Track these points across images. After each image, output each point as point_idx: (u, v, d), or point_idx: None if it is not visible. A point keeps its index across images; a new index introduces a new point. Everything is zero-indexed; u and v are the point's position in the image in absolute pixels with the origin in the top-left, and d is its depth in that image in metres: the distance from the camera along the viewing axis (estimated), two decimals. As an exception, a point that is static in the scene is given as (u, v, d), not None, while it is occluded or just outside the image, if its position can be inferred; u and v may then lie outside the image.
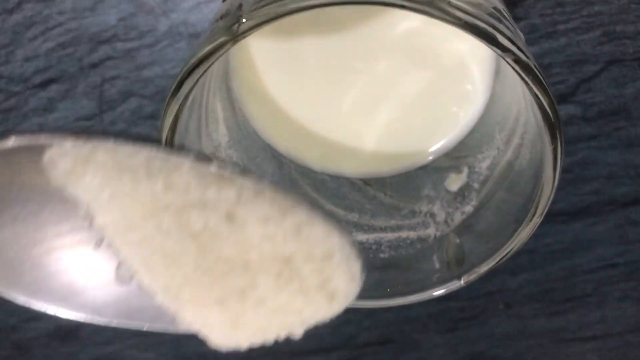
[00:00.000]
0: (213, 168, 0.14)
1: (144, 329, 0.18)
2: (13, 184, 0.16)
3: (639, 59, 0.30)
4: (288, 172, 0.24)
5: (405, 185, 0.25)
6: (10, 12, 0.29)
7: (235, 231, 0.14)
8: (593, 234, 0.36)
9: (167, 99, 0.18)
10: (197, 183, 0.14)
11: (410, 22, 0.21)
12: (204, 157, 0.14)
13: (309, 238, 0.15)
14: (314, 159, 0.24)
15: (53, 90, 0.32)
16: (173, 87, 0.17)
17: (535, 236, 0.36)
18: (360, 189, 0.25)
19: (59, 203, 0.16)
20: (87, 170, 0.14)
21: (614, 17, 0.29)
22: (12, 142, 0.14)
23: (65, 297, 0.17)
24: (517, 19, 0.29)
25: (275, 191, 0.14)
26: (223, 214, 0.14)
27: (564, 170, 0.34)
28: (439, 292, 0.21)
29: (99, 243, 0.17)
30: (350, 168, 0.24)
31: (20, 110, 0.32)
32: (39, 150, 0.14)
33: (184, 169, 0.14)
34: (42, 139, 0.14)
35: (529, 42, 0.30)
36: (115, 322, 0.18)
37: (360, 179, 0.25)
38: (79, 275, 0.17)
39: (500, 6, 0.18)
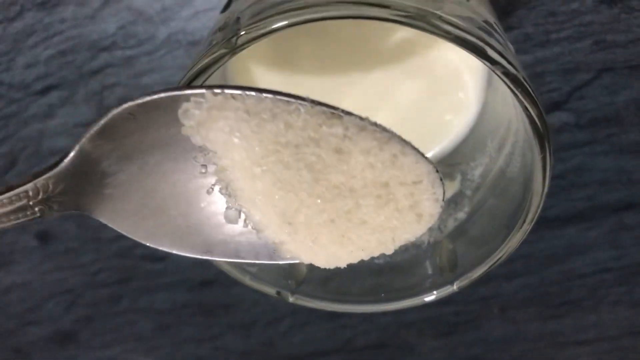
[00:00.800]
0: (325, 109, 0.16)
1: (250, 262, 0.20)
2: (147, 136, 0.18)
3: (630, 67, 0.31)
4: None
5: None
6: (12, 20, 0.30)
7: (343, 161, 0.17)
8: (587, 239, 0.37)
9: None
10: (312, 122, 0.17)
11: (404, 33, 0.22)
12: (317, 102, 0.17)
13: (403, 166, 0.17)
14: None
15: (53, 96, 0.32)
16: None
17: (530, 241, 0.37)
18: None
19: (181, 153, 0.18)
20: (222, 116, 0.17)
21: (605, 26, 0.30)
22: (156, 95, 0.17)
23: (181, 238, 0.19)
24: (510, 28, 0.30)
25: (374, 126, 0.17)
26: (333, 147, 0.17)
27: (558, 177, 0.35)
28: (432, 297, 0.22)
29: (211, 189, 0.19)
30: None
31: (20, 116, 0.33)
32: (176, 102, 0.17)
33: (301, 110, 0.17)
34: (183, 91, 0.17)
35: (523, 51, 0.30)
36: (224, 260, 0.20)
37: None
38: (193, 218, 0.19)
39: (492, 19, 0.19)
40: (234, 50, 0.17)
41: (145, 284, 0.41)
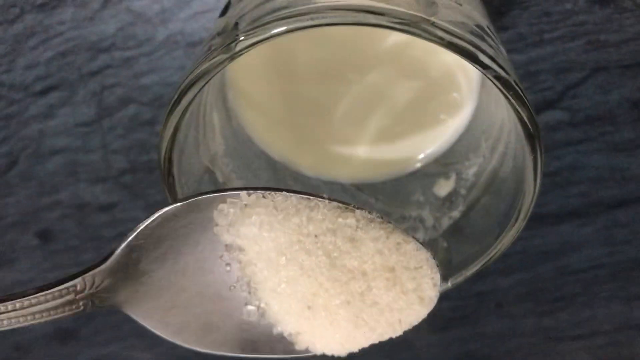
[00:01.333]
0: (340, 204, 0.19)
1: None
2: (182, 236, 0.20)
3: (623, 66, 0.31)
4: (282, 178, 0.25)
5: (396, 191, 0.26)
6: (12, 22, 0.30)
7: (356, 248, 0.20)
8: (581, 235, 0.37)
9: (167, 112, 0.19)
10: (329, 215, 0.19)
11: (400, 36, 0.22)
12: (333, 199, 0.19)
13: (406, 252, 0.20)
14: (308, 166, 0.25)
15: (53, 97, 0.33)
16: (172, 101, 0.18)
17: (525, 238, 0.37)
18: (353, 195, 0.26)
19: (209, 253, 0.20)
20: (254, 212, 0.19)
21: (598, 26, 0.30)
22: (201, 196, 0.19)
23: (204, 335, 0.21)
24: (504, 28, 0.30)
25: (381, 219, 0.19)
26: (347, 236, 0.20)
27: (552, 174, 0.35)
28: (427, 294, 0.22)
29: (233, 287, 0.21)
30: (343, 174, 0.25)
31: (21, 116, 0.33)
32: (212, 203, 0.19)
33: (320, 206, 0.19)
34: (223, 193, 0.19)
35: (517, 50, 0.31)
36: (241, 355, 0.21)
37: (353, 185, 0.26)
38: (215, 316, 0.21)
39: (484, 23, 0.19)
40: (233, 55, 0.18)
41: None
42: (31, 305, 0.18)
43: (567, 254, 0.38)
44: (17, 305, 0.18)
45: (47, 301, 0.18)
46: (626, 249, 0.38)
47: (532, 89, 0.32)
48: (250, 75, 0.23)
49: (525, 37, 0.30)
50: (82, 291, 0.19)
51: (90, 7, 0.30)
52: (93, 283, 0.19)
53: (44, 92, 0.32)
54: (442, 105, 0.24)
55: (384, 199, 0.26)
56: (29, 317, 0.18)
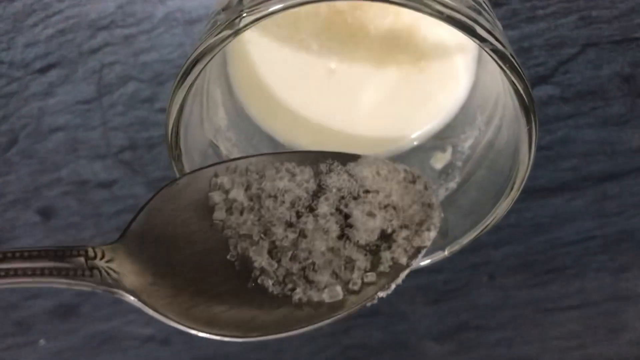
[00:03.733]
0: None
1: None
2: (180, 214, 0.20)
3: (614, 42, 0.32)
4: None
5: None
6: (11, 0, 0.30)
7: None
8: (572, 208, 0.38)
9: (173, 88, 0.19)
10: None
11: (397, 13, 0.23)
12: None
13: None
14: (306, 144, 0.25)
15: (53, 75, 0.33)
16: (179, 77, 0.19)
17: (517, 211, 0.38)
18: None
19: (204, 229, 0.20)
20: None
21: (590, 2, 0.30)
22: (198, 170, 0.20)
23: (237, 326, 0.20)
24: (498, 4, 0.31)
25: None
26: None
27: (544, 148, 0.36)
28: (424, 262, 0.23)
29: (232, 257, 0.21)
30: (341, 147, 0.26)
31: (21, 94, 0.33)
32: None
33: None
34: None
35: (510, 26, 0.31)
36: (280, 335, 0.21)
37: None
38: (240, 309, 0.20)
39: (481, -2, 0.20)
40: (238, 31, 0.18)
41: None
42: (40, 258, 0.18)
43: (558, 227, 0.39)
44: (25, 253, 0.18)
45: (57, 258, 0.18)
46: (616, 221, 0.38)
47: (525, 65, 0.32)
48: (248, 53, 0.24)
49: (519, 13, 0.31)
50: (92, 258, 0.19)
51: (89, -15, 0.30)
52: (103, 255, 0.19)
53: (43, 70, 0.33)
54: (439, 82, 0.25)
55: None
56: (37, 271, 0.18)
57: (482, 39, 0.17)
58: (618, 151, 0.35)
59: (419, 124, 0.26)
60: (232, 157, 0.24)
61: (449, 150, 0.25)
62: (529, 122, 0.19)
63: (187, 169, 0.20)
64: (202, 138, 0.22)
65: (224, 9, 0.19)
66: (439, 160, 0.25)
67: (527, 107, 0.18)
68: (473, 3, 0.18)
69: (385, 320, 0.44)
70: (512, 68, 0.17)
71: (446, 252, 0.22)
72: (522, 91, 0.18)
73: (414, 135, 0.26)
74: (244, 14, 0.18)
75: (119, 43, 0.32)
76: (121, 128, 0.35)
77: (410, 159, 0.26)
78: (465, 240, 0.22)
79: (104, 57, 0.32)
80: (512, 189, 0.21)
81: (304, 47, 0.23)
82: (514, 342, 0.44)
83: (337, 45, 0.23)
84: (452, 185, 0.24)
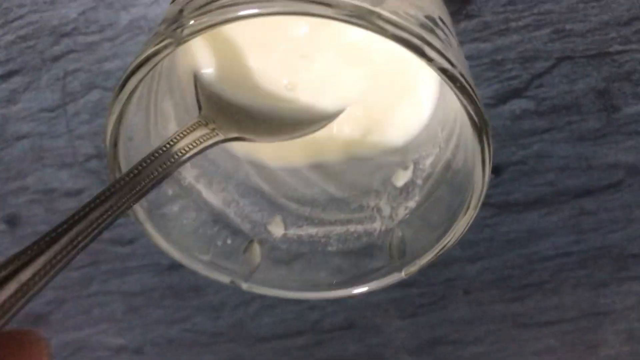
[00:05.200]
0: None
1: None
2: None
3: (588, 56, 0.31)
4: (243, 168, 0.25)
5: (356, 181, 0.26)
6: (-30, 5, 0.30)
7: None
8: (548, 223, 0.37)
9: (112, 98, 0.18)
10: None
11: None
12: None
13: None
14: (267, 156, 0.25)
15: (16, 82, 0.32)
16: (117, 87, 0.18)
17: (492, 225, 0.38)
18: (311, 182, 0.26)
19: None
20: None
21: (564, 15, 0.30)
22: None
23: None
24: (469, 16, 0.30)
25: None
26: None
27: (519, 162, 0.35)
28: (381, 284, 0.22)
29: None
30: (301, 159, 0.25)
31: (-17, 101, 0.33)
32: None
33: None
34: None
35: (482, 39, 0.30)
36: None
37: (313, 172, 0.26)
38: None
39: (436, 13, 0.19)
40: (178, 42, 0.17)
41: (114, 266, 0.41)
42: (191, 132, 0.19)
43: (534, 242, 0.38)
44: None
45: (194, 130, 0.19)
46: (593, 236, 0.38)
47: (497, 78, 0.32)
48: (199, 62, 0.23)
49: (491, 26, 0.30)
50: (206, 125, 0.20)
51: (50, -10, 0.29)
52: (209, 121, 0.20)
53: (5, 76, 0.32)
54: (402, 97, 0.24)
55: (344, 187, 0.26)
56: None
57: (429, 59, 0.16)
58: (594, 166, 0.35)
59: (383, 138, 0.25)
60: (183, 172, 0.23)
61: (411, 167, 0.24)
62: (481, 143, 0.18)
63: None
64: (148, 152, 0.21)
65: (165, 20, 0.18)
66: (400, 178, 0.24)
67: (480, 129, 0.18)
68: (425, 19, 0.17)
69: (360, 334, 0.44)
70: (462, 88, 0.17)
71: (403, 274, 0.22)
72: (472, 112, 0.17)
73: (376, 147, 0.25)
74: (185, 25, 0.17)
75: (82, 50, 0.31)
76: (87, 136, 0.34)
77: (373, 175, 0.25)
78: (423, 261, 0.22)
79: (68, 64, 0.32)
80: (468, 208, 0.20)
81: (254, 57, 0.22)
82: (490, 357, 0.44)
83: (292, 55, 0.23)
84: (412, 204, 0.24)
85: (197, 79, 0.22)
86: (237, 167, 0.25)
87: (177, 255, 0.21)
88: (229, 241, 0.23)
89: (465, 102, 0.17)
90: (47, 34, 0.31)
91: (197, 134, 0.20)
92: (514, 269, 0.40)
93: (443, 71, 0.17)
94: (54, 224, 0.39)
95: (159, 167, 0.18)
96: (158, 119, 0.22)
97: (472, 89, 0.17)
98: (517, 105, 0.33)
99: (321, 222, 0.24)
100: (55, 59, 0.32)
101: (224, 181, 0.24)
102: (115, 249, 0.39)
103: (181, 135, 0.19)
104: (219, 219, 0.23)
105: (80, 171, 0.36)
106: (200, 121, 0.20)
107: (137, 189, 0.17)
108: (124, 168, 0.19)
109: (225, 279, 0.22)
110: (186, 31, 0.17)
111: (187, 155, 0.18)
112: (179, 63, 0.23)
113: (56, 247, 0.16)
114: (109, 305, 0.43)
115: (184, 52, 0.22)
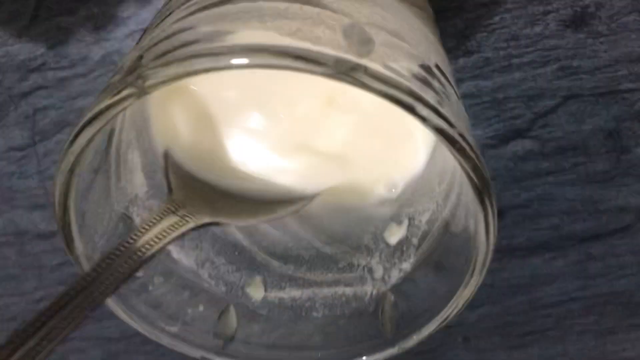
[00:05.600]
0: None
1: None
2: None
3: (597, 94, 0.29)
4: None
5: (345, 233, 0.23)
6: None
7: None
8: (553, 268, 0.35)
9: (61, 154, 0.16)
10: None
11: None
12: None
13: None
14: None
15: (-18, 119, 0.30)
16: (66, 142, 0.16)
17: (494, 270, 0.35)
18: (298, 237, 0.23)
19: None
20: None
21: (571, 51, 0.28)
22: None
23: None
24: (469, 52, 0.28)
25: None
26: None
27: (523, 205, 0.33)
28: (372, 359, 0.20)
29: None
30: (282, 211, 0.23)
31: (-52, 140, 0.31)
32: None
33: None
34: None
35: (482, 76, 0.28)
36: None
37: (299, 226, 0.24)
38: None
39: (432, 60, 0.17)
40: (140, 94, 0.15)
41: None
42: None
43: (538, 288, 0.36)
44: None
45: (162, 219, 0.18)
46: (600, 282, 0.36)
47: (499, 117, 0.30)
48: (167, 115, 0.21)
49: (492, 62, 0.28)
50: (177, 210, 0.18)
51: (16, 23, 0.27)
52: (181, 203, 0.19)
53: (-30, 114, 0.30)
54: (396, 144, 0.22)
55: (332, 241, 0.23)
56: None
57: (423, 119, 0.14)
58: (602, 210, 0.33)
59: (375, 188, 0.23)
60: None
61: (405, 223, 0.22)
62: (484, 208, 0.16)
63: (83, 250, 0.17)
64: (109, 213, 0.19)
65: (121, 68, 0.16)
66: (394, 234, 0.22)
67: (481, 193, 0.15)
68: (419, 70, 0.15)
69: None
70: (462, 150, 0.15)
71: (397, 350, 0.19)
72: (474, 176, 0.15)
73: (367, 197, 0.23)
74: (143, 78, 0.15)
75: (52, 86, 0.29)
76: (58, 178, 0.32)
77: (365, 227, 0.23)
78: (421, 335, 0.19)
79: (37, 101, 0.30)
80: (472, 276, 0.18)
81: (225, 110, 0.20)
82: (491, 407, 0.41)
83: (270, 105, 0.20)
84: (406, 266, 0.21)
85: (167, 157, 0.20)
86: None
87: (139, 327, 0.19)
88: (200, 308, 0.21)
89: (465, 165, 0.15)
90: (14, 70, 0.29)
91: (166, 223, 0.17)
92: (516, 315, 0.38)
93: (439, 131, 0.14)
94: (24, 266, 0.37)
95: (122, 264, 0.16)
96: (121, 172, 0.20)
97: (474, 151, 0.15)
98: (520, 145, 0.30)
99: (306, 283, 0.22)
100: (24, 95, 0.29)
101: (198, 237, 0.22)
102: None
103: (147, 226, 0.17)
104: (190, 283, 0.21)
105: (53, 213, 0.34)
106: (169, 207, 0.18)
107: (97, 292, 0.15)
108: (77, 234, 0.17)
109: (195, 353, 0.20)
110: (148, 82, 0.15)
111: (153, 249, 0.16)
112: (147, 108, 0.21)
113: None
114: (86, 351, 0.40)
115: (153, 98, 0.20)
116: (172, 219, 0.18)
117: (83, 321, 0.15)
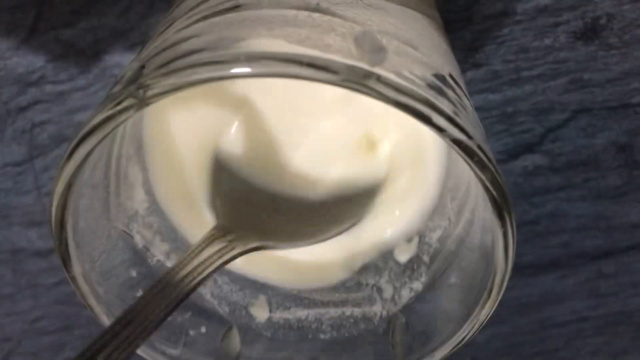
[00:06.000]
0: None
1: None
2: None
3: (608, 108, 0.28)
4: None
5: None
6: None
7: None
8: (563, 287, 0.34)
9: (58, 167, 0.15)
10: None
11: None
12: None
13: None
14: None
15: (-22, 134, 0.29)
16: (64, 156, 0.15)
17: (502, 289, 0.34)
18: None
19: None
20: None
21: (581, 64, 0.27)
22: None
23: None
24: (477, 64, 0.27)
25: None
26: None
27: (532, 222, 0.32)
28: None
29: None
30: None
31: (-57, 155, 0.30)
32: None
33: None
34: None
35: (491, 89, 0.28)
36: None
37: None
38: None
39: (446, 69, 0.16)
40: (142, 105, 0.14)
41: (88, 331, 0.38)
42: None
43: (548, 307, 0.35)
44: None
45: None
46: (612, 301, 0.35)
47: (508, 131, 0.29)
48: (169, 132, 0.20)
49: (501, 75, 0.28)
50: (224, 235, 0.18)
51: (14, 36, 0.27)
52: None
53: (-34, 129, 0.29)
54: (403, 158, 0.21)
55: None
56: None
57: (440, 129, 0.13)
58: (614, 226, 0.32)
59: (386, 206, 0.22)
60: (151, 248, 0.20)
61: (415, 240, 0.21)
62: (503, 224, 0.15)
63: (81, 269, 0.17)
64: (108, 231, 0.18)
65: (121, 79, 0.15)
66: (404, 252, 0.21)
67: (500, 208, 0.15)
68: (433, 79, 0.14)
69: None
70: (480, 163, 0.14)
71: (407, 375, 0.18)
72: (493, 190, 0.14)
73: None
74: (145, 87, 0.14)
75: (51, 100, 0.28)
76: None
77: (372, 245, 0.22)
78: (434, 359, 0.18)
79: (35, 115, 0.29)
80: (489, 297, 0.17)
81: (232, 126, 0.19)
82: None
83: (281, 117, 0.20)
84: (418, 285, 0.20)
85: (215, 176, 0.19)
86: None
87: (139, 349, 0.18)
88: (202, 329, 0.20)
89: (483, 178, 0.14)
90: (11, 83, 0.28)
91: (211, 250, 0.17)
92: (525, 335, 0.37)
93: (456, 143, 0.14)
94: (20, 285, 0.36)
95: (166, 296, 0.15)
96: (120, 188, 0.19)
97: (493, 164, 0.14)
98: (529, 160, 0.30)
99: (312, 304, 0.21)
100: (22, 109, 0.29)
101: None
102: (89, 313, 0.36)
103: (192, 253, 0.16)
104: (192, 303, 0.20)
105: (50, 230, 0.33)
106: (215, 233, 0.17)
107: (139, 329, 0.14)
108: (74, 250, 0.16)
109: (196, 377, 0.19)
110: (150, 93, 0.14)
111: (198, 279, 0.16)
112: (148, 123, 0.20)
113: None
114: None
115: (153, 113, 0.19)
116: (218, 245, 0.17)
117: None
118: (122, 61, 0.27)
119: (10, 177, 0.31)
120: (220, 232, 0.17)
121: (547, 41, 0.27)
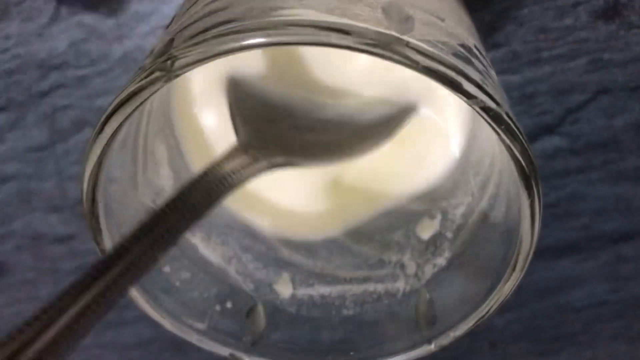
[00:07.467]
0: None
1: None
2: None
3: (629, 88, 0.28)
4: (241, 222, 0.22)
5: (375, 229, 0.23)
6: (-49, 37, 0.27)
7: None
8: (582, 270, 0.34)
9: (89, 142, 0.16)
10: None
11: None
12: None
13: None
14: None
15: (1, 119, 0.30)
16: (95, 129, 0.15)
17: (521, 273, 0.34)
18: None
19: None
20: None
21: (602, 44, 0.27)
22: None
23: None
24: (497, 45, 0.27)
25: None
26: None
27: (551, 205, 0.32)
28: (407, 357, 0.19)
29: None
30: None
31: (-34, 140, 0.30)
32: None
33: None
34: None
35: (511, 70, 0.28)
36: None
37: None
38: None
39: (471, 41, 0.16)
40: (170, 76, 0.15)
41: (109, 316, 0.38)
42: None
43: (567, 291, 0.35)
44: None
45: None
46: (631, 285, 0.35)
47: (528, 113, 0.29)
48: (196, 103, 0.20)
49: (521, 56, 0.27)
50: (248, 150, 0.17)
51: (37, 21, 0.27)
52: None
53: (-11, 114, 0.29)
54: (427, 134, 0.21)
55: (361, 238, 0.22)
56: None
57: (469, 96, 0.13)
58: (634, 209, 0.32)
59: (406, 180, 0.22)
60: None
61: (438, 217, 0.21)
62: (530, 194, 0.15)
63: (110, 240, 0.17)
64: (135, 204, 0.18)
65: (152, 52, 0.15)
66: (426, 229, 0.21)
67: (528, 178, 0.15)
68: (460, 48, 0.14)
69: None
70: (509, 130, 0.14)
71: (433, 347, 0.18)
72: (521, 159, 0.14)
73: (399, 195, 0.22)
74: (174, 58, 0.14)
75: (72, 85, 0.29)
76: (78, 178, 0.32)
77: (395, 223, 0.22)
78: (457, 332, 0.18)
79: (56, 100, 0.29)
80: (513, 270, 0.17)
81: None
82: (518, 415, 0.40)
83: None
84: (441, 261, 0.20)
85: (231, 90, 0.19)
86: (239, 215, 0.22)
87: (167, 323, 0.18)
88: (228, 305, 0.20)
89: (512, 146, 0.14)
90: (34, 68, 0.28)
91: (234, 163, 0.16)
92: (544, 319, 0.37)
93: (486, 110, 0.14)
94: (41, 271, 0.36)
95: (197, 199, 0.15)
96: (148, 164, 0.19)
97: (520, 132, 0.14)
98: (549, 142, 0.30)
99: (335, 280, 0.21)
100: (43, 94, 0.29)
101: (225, 233, 0.21)
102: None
103: (216, 166, 0.16)
104: (217, 279, 0.20)
105: (71, 215, 0.33)
106: (237, 148, 0.17)
107: (171, 227, 0.14)
108: (105, 224, 0.16)
109: (223, 351, 0.19)
110: (178, 64, 0.14)
111: (229, 185, 0.15)
112: (175, 99, 0.20)
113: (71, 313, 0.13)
114: (104, 358, 0.40)
115: (180, 88, 0.20)
116: (242, 160, 0.17)
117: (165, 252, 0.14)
118: (143, 45, 0.27)
119: (31, 162, 0.31)
120: (243, 148, 0.17)
121: (567, 21, 0.27)
